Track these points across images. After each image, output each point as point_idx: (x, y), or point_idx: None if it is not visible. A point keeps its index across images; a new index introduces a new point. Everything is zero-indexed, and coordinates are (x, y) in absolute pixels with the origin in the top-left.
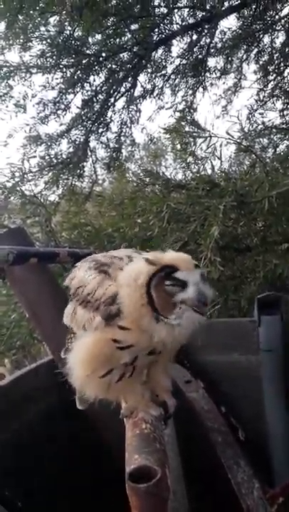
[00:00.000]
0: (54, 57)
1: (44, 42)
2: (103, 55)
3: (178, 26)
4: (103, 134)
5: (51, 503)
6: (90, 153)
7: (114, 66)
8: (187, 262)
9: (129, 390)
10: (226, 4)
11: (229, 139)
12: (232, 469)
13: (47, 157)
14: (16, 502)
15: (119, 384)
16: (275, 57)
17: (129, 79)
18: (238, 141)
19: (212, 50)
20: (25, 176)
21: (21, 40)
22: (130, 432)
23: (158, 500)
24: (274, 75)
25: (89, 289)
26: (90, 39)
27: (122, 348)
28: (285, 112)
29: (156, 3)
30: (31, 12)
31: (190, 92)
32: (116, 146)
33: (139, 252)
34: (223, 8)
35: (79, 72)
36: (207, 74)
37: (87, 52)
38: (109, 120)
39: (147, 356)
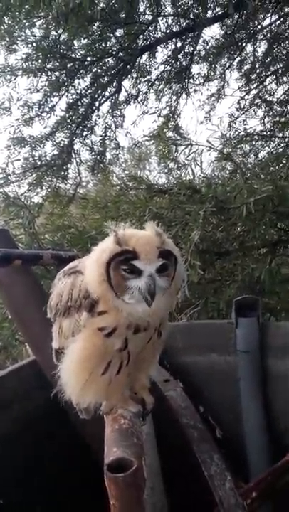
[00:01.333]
0: (39, 60)
1: (30, 45)
2: (88, 59)
3: (162, 33)
4: (88, 137)
5: (35, 503)
6: (74, 156)
7: (99, 71)
8: (151, 250)
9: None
10: (210, 13)
11: (210, 147)
12: (206, 463)
13: (31, 159)
14: None
15: (120, 377)
16: (257, 66)
17: (114, 83)
18: (218, 149)
19: (196, 58)
20: (9, 177)
21: (6, 43)
22: (110, 427)
23: (135, 490)
24: (255, 84)
25: (65, 295)
26: (75, 43)
27: (108, 334)
28: (266, 120)
29: (141, 11)
30: (17, 14)
31: (174, 97)
32: (100, 149)
33: None
34: (207, 17)
35: (64, 75)
36: (191, 80)
37: (73, 56)
38: (93, 123)
39: (135, 336)
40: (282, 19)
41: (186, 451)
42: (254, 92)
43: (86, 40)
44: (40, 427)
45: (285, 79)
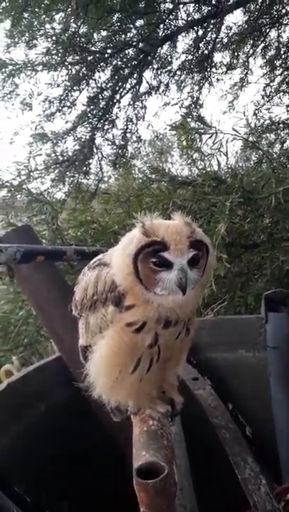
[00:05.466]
0: (59, 54)
1: (49, 39)
2: (108, 51)
3: (183, 22)
4: (109, 131)
5: (60, 497)
6: (95, 151)
7: (119, 63)
8: (181, 240)
9: (142, 387)
10: None
11: (235, 135)
12: (239, 466)
13: (53, 155)
14: (25, 497)
15: (150, 376)
16: (281, 52)
17: (135, 75)
18: (245, 137)
19: (218, 46)
20: (31, 173)
21: (27, 38)
22: (138, 428)
23: (165, 496)
24: (281, 70)
25: (91, 289)
26: (95, 36)
27: (138, 329)
28: None
29: None
30: (36, 10)
31: (196, 87)
32: (122, 143)
33: None
34: (229, 3)
35: (84, 69)
36: (213, 69)
37: (93, 49)
38: (114, 117)
39: (165, 331)
40: None
41: (217, 452)
42: (279, 78)
43: (106, 32)
44: (65, 424)
45: None
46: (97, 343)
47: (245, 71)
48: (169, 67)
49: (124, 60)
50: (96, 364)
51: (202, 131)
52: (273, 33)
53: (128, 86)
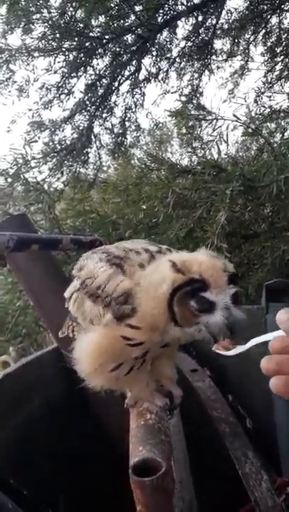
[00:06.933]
0: (56, 39)
1: (46, 24)
2: (106, 37)
3: (183, 7)
4: (107, 119)
5: (58, 492)
6: (94, 139)
7: (117, 49)
8: (219, 276)
9: (135, 380)
10: None
11: (236, 121)
12: (240, 460)
13: (51, 143)
14: (22, 491)
15: (127, 376)
16: (283, 38)
17: (134, 62)
18: (245, 124)
19: (218, 32)
20: (28, 162)
21: (23, 23)
22: (135, 422)
23: (163, 494)
24: (282, 57)
25: (99, 281)
26: (92, 21)
27: (132, 345)
28: None
29: None
30: None
31: (196, 75)
32: (120, 131)
33: (158, 246)
34: None
35: (82, 55)
36: (213, 57)
37: (90, 34)
38: (113, 105)
39: (159, 349)
40: None
41: (217, 446)
42: (280, 66)
43: (104, 17)
44: (62, 416)
45: None
46: (85, 332)
47: (246, 58)
48: (169, 54)
49: (123, 46)
50: (81, 348)
51: (201, 117)
52: (274, 20)
53: (127, 73)
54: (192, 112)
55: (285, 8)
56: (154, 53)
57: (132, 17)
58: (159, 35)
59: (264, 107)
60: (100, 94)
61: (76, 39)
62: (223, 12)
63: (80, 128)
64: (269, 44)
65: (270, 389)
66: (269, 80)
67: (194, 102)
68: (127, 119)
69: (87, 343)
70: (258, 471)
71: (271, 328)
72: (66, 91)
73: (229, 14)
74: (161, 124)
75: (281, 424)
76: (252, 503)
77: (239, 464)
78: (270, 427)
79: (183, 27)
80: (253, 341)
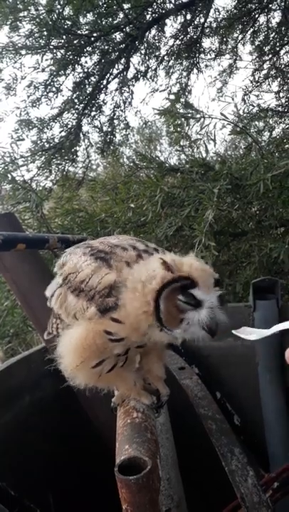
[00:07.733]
0: (44, 37)
1: (33, 21)
2: (95, 35)
3: (171, 5)
4: (96, 117)
5: (47, 491)
6: (82, 138)
7: (106, 47)
8: (207, 277)
9: (121, 378)
10: None
11: (224, 119)
12: (226, 457)
13: (39, 141)
14: (9, 491)
15: (111, 373)
16: (271, 37)
17: (122, 60)
18: (233, 122)
19: (206, 30)
20: (16, 161)
21: (10, 20)
22: (121, 420)
23: (148, 493)
24: (270, 56)
25: (82, 276)
26: (80, 19)
27: (113, 340)
28: (281, 94)
29: None
30: None
31: (184, 73)
32: (109, 129)
33: (144, 244)
34: None
35: (70, 53)
36: (201, 55)
37: (78, 32)
38: (101, 103)
39: (137, 349)
40: None
41: (204, 443)
42: (268, 64)
43: (92, 14)
44: (51, 415)
45: None
46: (68, 327)
47: (234, 57)
48: (157, 53)
49: (111, 44)
50: (64, 343)
51: (190, 115)
52: (262, 18)
53: (115, 71)
54: (180, 111)
55: (273, 7)
56: (143, 51)
57: (121, 15)
58: (147, 33)
59: (252, 105)
60: (88, 92)
61: (64, 37)
62: (212, 10)
63: (69, 126)
64: (257, 43)
65: (257, 386)
66: (257, 79)
67: (182, 100)
68: (115, 117)
69: (70, 338)
70: (244, 467)
71: (259, 325)
72: (54, 89)
73: (217, 13)
74: (150, 123)
75: (269, 421)
76: (239, 500)
77: (225, 461)
78: (258, 423)
79: (171, 25)
80: (276, 327)
